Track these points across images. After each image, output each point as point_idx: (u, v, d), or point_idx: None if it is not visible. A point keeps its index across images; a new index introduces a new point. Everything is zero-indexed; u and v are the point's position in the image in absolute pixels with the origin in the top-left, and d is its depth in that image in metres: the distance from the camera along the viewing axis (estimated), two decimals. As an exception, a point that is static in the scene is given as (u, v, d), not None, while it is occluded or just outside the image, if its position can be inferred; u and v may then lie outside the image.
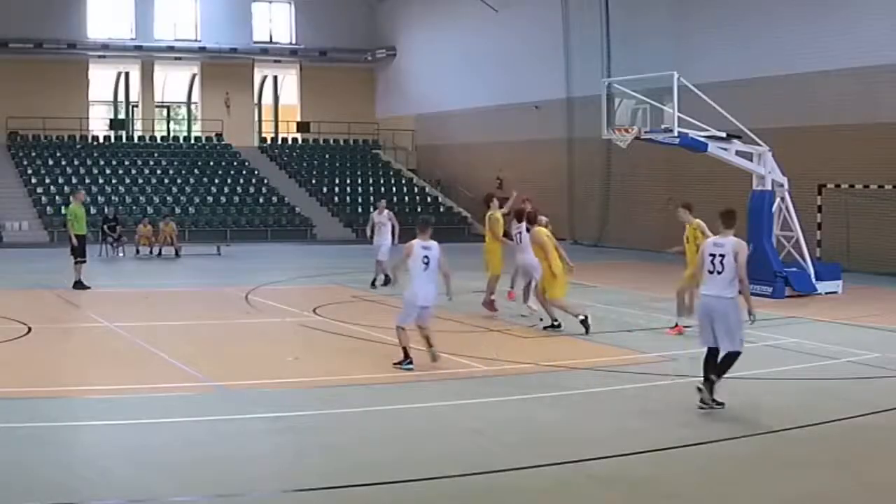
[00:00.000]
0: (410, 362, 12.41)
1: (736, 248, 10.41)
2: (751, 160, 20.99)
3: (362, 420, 10.06)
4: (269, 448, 9.22)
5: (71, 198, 23.29)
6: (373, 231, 21.59)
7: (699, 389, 10.32)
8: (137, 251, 30.42)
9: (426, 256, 12.56)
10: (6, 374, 11.90)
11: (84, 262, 21.22)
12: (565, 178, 37.00)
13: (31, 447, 8.85)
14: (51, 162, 40.45)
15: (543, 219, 16.28)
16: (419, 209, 41.28)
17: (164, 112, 48.27)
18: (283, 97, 49.44)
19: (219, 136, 45.48)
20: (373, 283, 21.03)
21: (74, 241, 21.16)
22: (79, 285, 20.71)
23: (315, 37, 46.57)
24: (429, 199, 42.65)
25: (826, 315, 17.69)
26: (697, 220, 15.18)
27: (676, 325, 15.35)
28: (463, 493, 7.94)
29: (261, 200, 40.39)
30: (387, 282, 20.34)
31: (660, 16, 32.49)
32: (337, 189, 42.50)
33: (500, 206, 18.43)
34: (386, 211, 22.01)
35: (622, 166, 33.41)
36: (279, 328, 16.58)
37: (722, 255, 10.43)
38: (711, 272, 10.46)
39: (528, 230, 16.21)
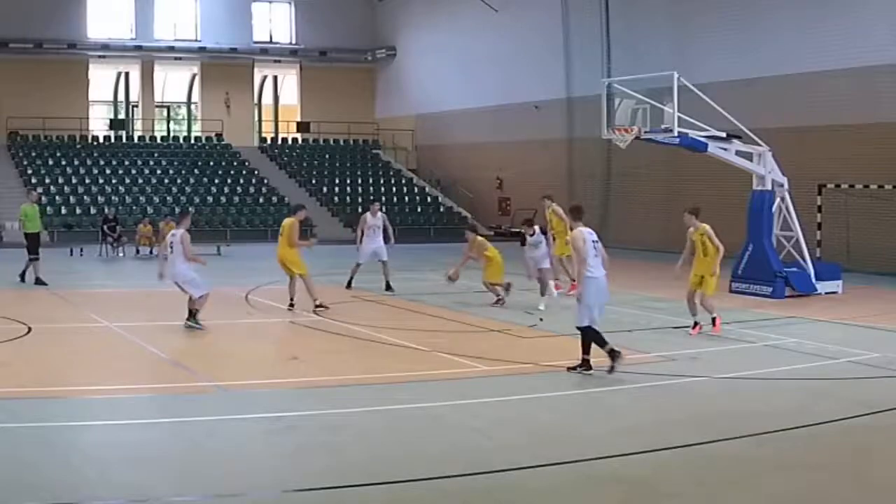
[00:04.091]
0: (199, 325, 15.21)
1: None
2: (751, 160, 20.99)
3: (362, 420, 10.05)
4: (269, 448, 9.22)
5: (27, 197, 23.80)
6: (363, 232, 20.73)
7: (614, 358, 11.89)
8: (137, 251, 30.42)
9: (171, 242, 15.42)
10: (6, 374, 11.90)
11: (37, 258, 21.68)
12: (565, 178, 37.00)
13: (31, 447, 8.85)
14: (51, 162, 40.45)
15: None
16: (419, 209, 41.33)
17: (164, 112, 48.28)
18: (283, 97, 49.45)
19: (219, 136, 45.49)
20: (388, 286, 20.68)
21: (24, 239, 21.65)
22: (38, 282, 21.28)
23: (315, 37, 46.59)
24: (429, 199, 42.64)
25: (826, 315, 17.68)
26: (705, 225, 15.36)
27: (696, 325, 15.36)
28: (463, 493, 7.94)
29: (261, 200, 40.39)
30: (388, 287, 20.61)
31: (660, 16, 32.51)
32: (337, 189, 42.49)
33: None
34: (380, 213, 21.62)
35: (622, 166, 33.42)
36: (279, 328, 16.58)
37: (597, 241, 12.26)
38: (597, 257, 12.15)
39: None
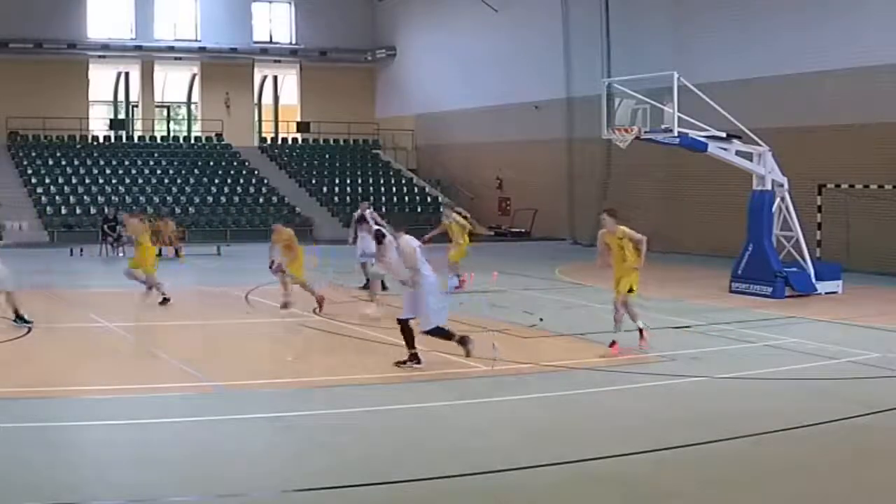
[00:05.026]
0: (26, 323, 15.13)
1: None
2: (751, 160, 20.99)
3: (362, 420, 10.05)
4: (269, 448, 9.22)
5: None
6: (356, 231, 20.76)
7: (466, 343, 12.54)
8: (137, 251, 30.38)
9: None
10: (6, 374, 11.91)
11: None
12: (565, 178, 37.02)
13: (31, 447, 8.85)
14: (51, 162, 40.46)
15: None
16: (419, 209, 41.33)
17: (164, 112, 48.27)
18: (283, 97, 49.45)
19: (219, 136, 45.50)
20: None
21: None
22: None
23: (315, 37, 46.60)
24: (429, 199, 42.63)
25: (826, 315, 17.68)
26: (623, 228, 14.05)
27: (615, 343, 13.69)
28: (463, 493, 7.94)
29: (261, 200, 40.39)
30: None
31: (660, 16, 32.51)
32: (337, 189, 42.50)
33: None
34: (369, 211, 21.73)
35: (622, 166, 33.41)
36: (279, 328, 16.58)
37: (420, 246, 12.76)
38: (426, 262, 12.63)
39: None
